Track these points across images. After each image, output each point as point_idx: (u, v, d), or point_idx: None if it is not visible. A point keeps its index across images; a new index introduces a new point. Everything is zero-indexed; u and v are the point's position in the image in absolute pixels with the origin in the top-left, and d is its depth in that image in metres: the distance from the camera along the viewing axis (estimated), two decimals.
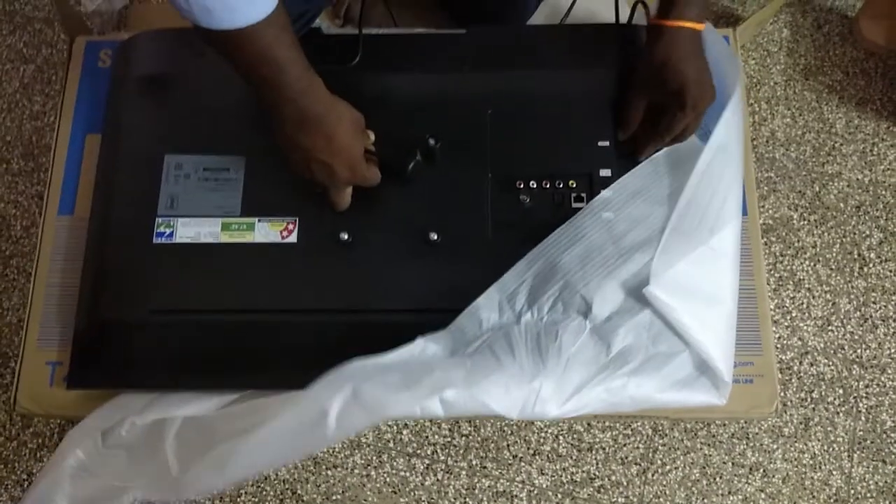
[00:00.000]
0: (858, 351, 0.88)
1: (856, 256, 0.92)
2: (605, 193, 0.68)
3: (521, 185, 0.70)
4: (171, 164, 0.73)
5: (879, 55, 1.01)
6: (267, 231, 0.70)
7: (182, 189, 0.72)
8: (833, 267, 0.92)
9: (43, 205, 0.79)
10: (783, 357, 0.88)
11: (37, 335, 0.74)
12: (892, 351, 0.88)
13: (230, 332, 0.68)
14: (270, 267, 0.69)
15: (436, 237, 0.68)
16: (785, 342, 0.89)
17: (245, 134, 0.74)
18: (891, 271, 0.91)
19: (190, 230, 0.71)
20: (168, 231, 0.71)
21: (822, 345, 0.89)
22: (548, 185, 0.70)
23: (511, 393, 0.61)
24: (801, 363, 0.88)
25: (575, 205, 0.69)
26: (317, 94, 0.60)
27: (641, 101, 0.69)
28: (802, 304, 0.90)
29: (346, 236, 0.68)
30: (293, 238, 0.70)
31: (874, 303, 0.90)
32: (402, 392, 0.58)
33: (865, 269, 0.92)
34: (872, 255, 0.92)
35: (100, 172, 0.78)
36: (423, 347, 0.63)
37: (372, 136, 0.69)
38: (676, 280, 0.65)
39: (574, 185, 0.70)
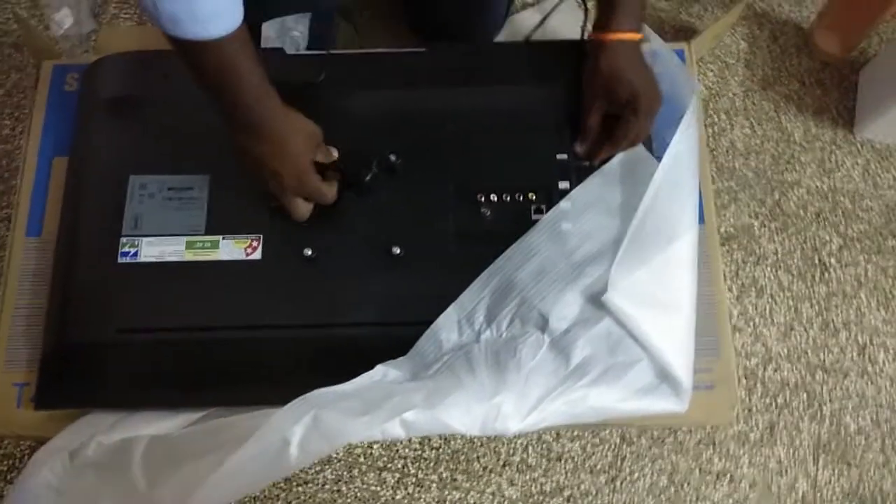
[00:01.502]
0: (821, 356, 0.90)
1: (816, 262, 0.94)
2: (561, 205, 0.70)
3: (483, 199, 0.72)
4: (136, 185, 0.74)
5: (834, 65, 1.03)
6: (231, 248, 0.71)
7: (146, 208, 0.73)
8: (794, 273, 0.93)
9: (11, 225, 0.79)
10: (747, 364, 0.89)
11: (4, 357, 0.75)
12: (854, 355, 0.90)
13: (196, 350, 0.69)
14: (235, 284, 0.70)
15: (399, 251, 0.69)
16: (749, 349, 0.90)
17: (209, 154, 0.75)
18: (851, 276, 0.93)
19: (154, 249, 0.71)
20: (133, 250, 0.72)
21: (785, 351, 0.90)
22: (508, 198, 0.72)
23: (472, 411, 0.62)
24: (765, 369, 0.89)
25: (535, 216, 0.71)
26: (272, 103, 0.62)
27: (597, 113, 0.71)
28: (765, 310, 0.92)
29: (309, 252, 0.69)
30: (257, 255, 0.71)
31: (836, 308, 0.92)
32: (362, 417, 0.59)
33: (826, 274, 0.93)
34: (833, 261, 0.94)
35: (66, 194, 0.79)
36: (384, 373, 0.64)
37: (335, 153, 0.70)
38: (635, 288, 0.67)
39: (534, 198, 0.72)
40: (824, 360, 0.90)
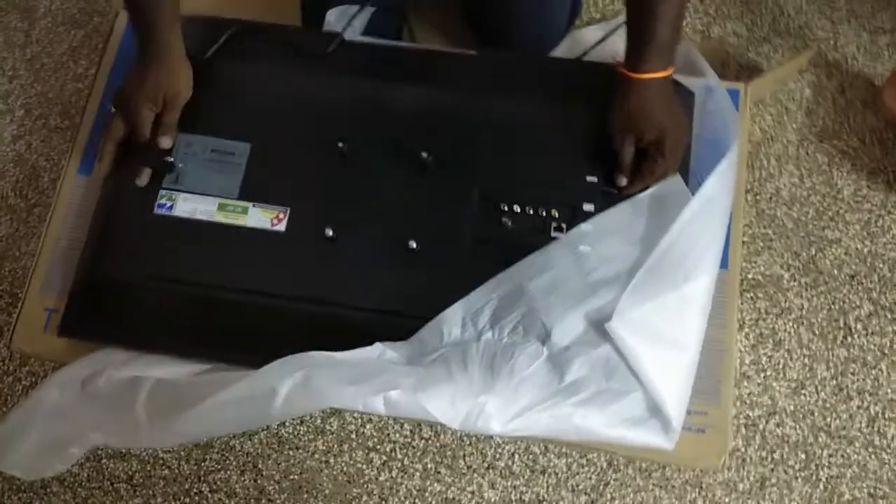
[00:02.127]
0: (828, 419, 0.88)
1: (842, 325, 0.92)
2: (583, 227, 0.71)
3: (506, 208, 0.73)
4: (183, 142, 0.78)
5: None
6: (259, 216, 0.75)
7: (188, 166, 0.77)
8: (816, 332, 0.91)
9: (66, 162, 0.85)
10: (750, 413, 0.88)
11: (40, 282, 0.80)
12: (863, 425, 0.88)
13: (212, 307, 0.73)
14: (257, 251, 0.74)
15: (415, 245, 0.71)
16: (755, 399, 0.89)
17: (256, 124, 0.79)
18: (875, 345, 0.91)
19: (188, 205, 0.75)
20: (169, 203, 0.76)
21: (791, 407, 0.89)
22: (531, 211, 0.73)
23: (455, 404, 0.64)
24: (767, 422, 0.88)
25: (554, 233, 0.72)
26: (165, 37, 0.75)
27: (628, 145, 0.71)
28: (779, 363, 0.90)
29: (331, 232, 0.72)
30: (282, 227, 0.74)
31: (853, 374, 0.90)
32: (350, 385, 0.62)
33: (849, 338, 0.91)
34: (859, 327, 0.91)
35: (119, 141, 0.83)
36: (381, 352, 0.67)
37: (166, 141, 0.76)
38: (641, 320, 0.67)
39: (556, 215, 0.73)
40: (830, 425, 0.88)
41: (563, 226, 0.72)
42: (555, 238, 0.71)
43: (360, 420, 0.89)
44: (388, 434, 0.88)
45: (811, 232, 0.95)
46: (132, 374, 0.71)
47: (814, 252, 0.95)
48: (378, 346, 0.67)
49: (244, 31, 0.83)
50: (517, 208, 0.73)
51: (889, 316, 0.92)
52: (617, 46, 0.92)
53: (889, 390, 0.89)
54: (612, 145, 0.72)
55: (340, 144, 0.75)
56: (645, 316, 0.67)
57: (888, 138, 1.00)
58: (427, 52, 0.85)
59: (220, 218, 0.75)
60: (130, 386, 0.71)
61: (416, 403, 0.62)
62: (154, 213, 0.76)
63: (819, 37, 1.05)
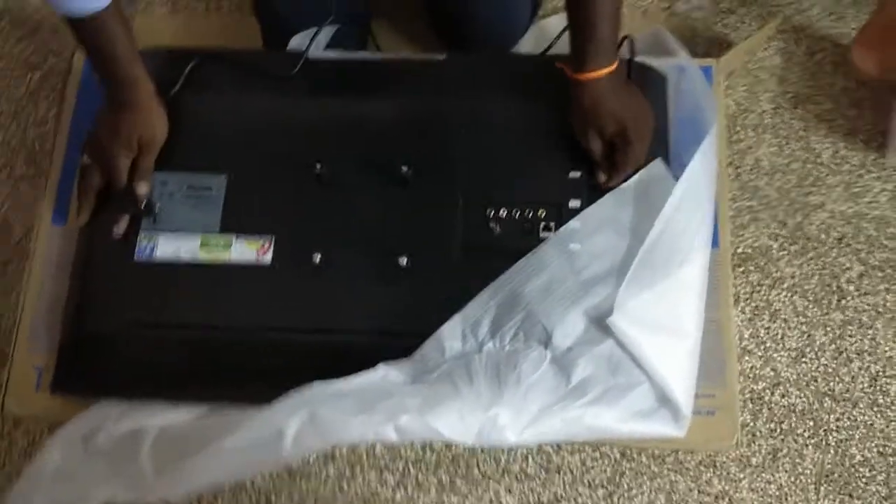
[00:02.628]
0: (831, 384, 0.89)
1: (834, 289, 0.92)
2: (571, 224, 0.70)
3: (492, 213, 0.72)
4: (157, 181, 0.76)
5: (871, 85, 1.00)
6: (244, 249, 0.73)
7: (165, 205, 0.75)
8: (811, 299, 0.92)
9: (38, 214, 0.82)
10: (755, 387, 0.89)
11: (26, 340, 0.78)
12: (865, 385, 0.89)
13: (205, 348, 0.72)
14: (245, 286, 0.72)
15: (406, 262, 0.70)
16: (757, 372, 0.89)
17: (229, 154, 0.77)
18: (869, 305, 0.91)
19: (170, 246, 0.74)
20: (150, 246, 0.74)
21: (794, 376, 0.89)
22: (517, 214, 0.72)
23: (465, 420, 0.63)
24: (772, 394, 0.88)
25: (543, 234, 0.71)
26: (135, 84, 0.73)
27: (596, 142, 0.71)
28: (777, 334, 0.91)
29: (318, 258, 0.71)
30: (268, 258, 0.73)
31: (850, 336, 0.90)
32: (357, 417, 0.61)
33: (843, 301, 0.92)
34: (851, 288, 0.92)
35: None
36: (385, 374, 0.66)
37: (141, 189, 0.74)
38: (640, 311, 0.67)
39: (543, 215, 0.72)
40: (834, 389, 0.89)
41: (552, 224, 0.71)
42: (544, 238, 0.71)
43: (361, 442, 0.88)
44: (399, 451, 0.88)
45: (795, 199, 0.96)
46: (132, 426, 0.70)
47: (800, 219, 0.95)
48: (381, 367, 0.66)
49: (206, 60, 0.81)
50: (503, 212, 0.72)
51: (879, 275, 0.93)
52: None
53: (887, 348, 0.90)
54: (581, 146, 0.72)
55: (318, 166, 0.73)
56: (644, 306, 0.67)
57: (860, 97, 1.00)
58: (395, 62, 0.83)
59: (204, 255, 0.73)
60: (132, 439, 0.70)
61: (427, 426, 0.61)
62: (135, 259, 0.74)
63: (783, 2, 1.05)
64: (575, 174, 0.73)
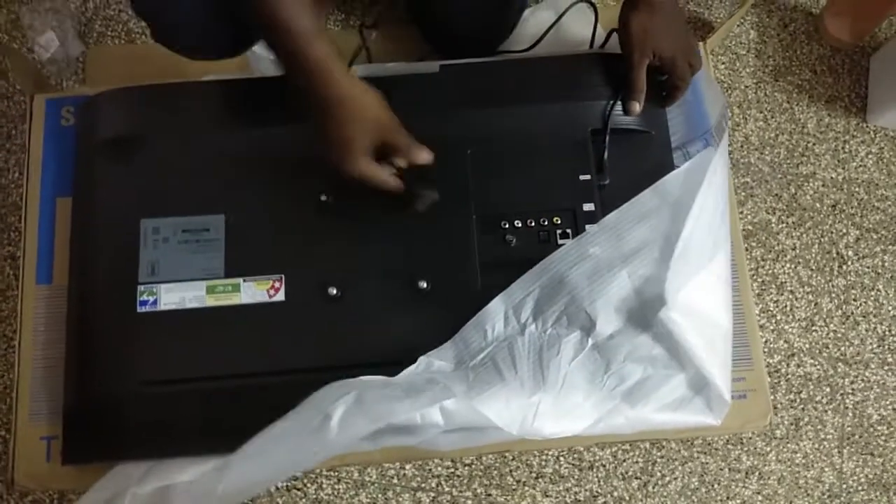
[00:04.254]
0: (842, 348, 0.91)
1: (834, 255, 0.94)
2: (617, 213, 0.68)
3: (506, 225, 0.70)
4: (149, 229, 0.71)
5: (845, 51, 1.02)
6: (254, 291, 0.69)
7: (162, 253, 0.70)
8: (813, 267, 0.94)
9: (20, 274, 0.77)
10: (770, 360, 0.90)
11: (27, 411, 0.73)
12: (874, 346, 0.91)
13: (223, 398, 0.68)
14: (260, 328, 0.68)
15: (425, 285, 0.68)
16: (772, 346, 0.91)
17: (221, 191, 0.72)
18: (868, 268, 0.94)
19: (174, 296, 0.69)
20: (151, 299, 0.69)
21: (807, 345, 0.91)
22: (532, 224, 0.71)
23: (511, 406, 0.62)
24: (788, 365, 0.90)
25: (560, 241, 0.70)
26: (330, 75, 0.60)
27: (643, 69, 0.70)
28: (786, 306, 0.92)
29: (334, 291, 0.68)
30: (281, 296, 0.69)
31: (854, 300, 0.93)
32: (403, 400, 0.59)
33: (844, 266, 0.94)
34: (850, 253, 0.94)
35: (74, 242, 0.75)
36: (427, 364, 0.65)
37: (406, 160, 0.64)
38: (686, 302, 0.66)
39: (558, 222, 0.70)
40: (845, 353, 0.91)
41: (568, 231, 0.70)
42: (562, 245, 0.69)
43: (397, 464, 0.86)
44: (430, 469, 0.86)
45: (786, 171, 0.97)
46: (155, 486, 0.66)
47: (793, 190, 0.96)
48: (422, 359, 0.64)
49: (179, 94, 0.77)
50: (518, 224, 0.70)
51: (875, 237, 0.95)
52: (570, 28, 0.90)
53: (890, 307, 0.92)
54: (626, 67, 0.71)
55: (323, 197, 0.70)
56: (689, 297, 0.66)
57: (836, 64, 1.02)
58: (389, 79, 0.80)
59: (212, 301, 0.69)
60: (160, 498, 0.66)
61: (473, 410, 0.59)
62: (137, 312, 0.69)
63: None
64: (585, 177, 0.72)
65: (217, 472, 0.61)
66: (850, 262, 0.94)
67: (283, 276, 0.69)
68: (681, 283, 0.66)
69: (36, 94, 0.83)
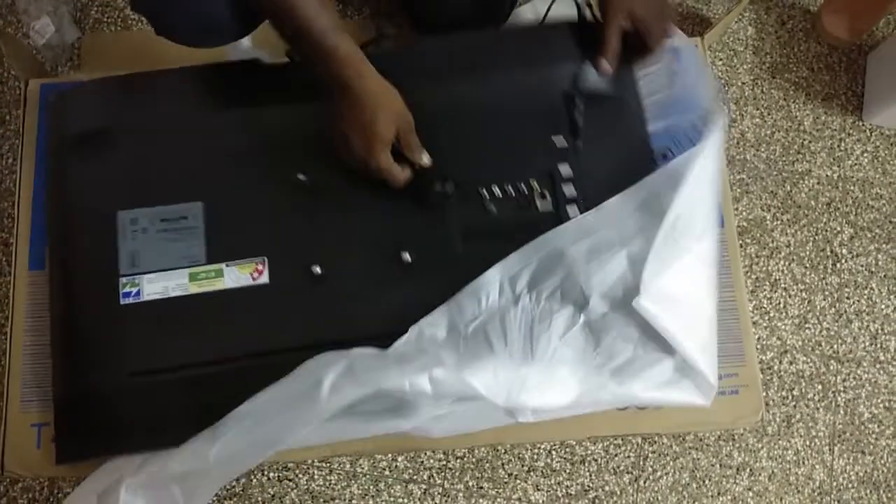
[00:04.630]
0: (835, 346, 0.91)
1: (828, 253, 0.94)
2: (622, 196, 0.68)
3: (486, 194, 0.70)
4: (126, 220, 0.70)
5: (842, 49, 1.02)
6: (237, 275, 0.69)
7: (141, 244, 0.69)
8: (807, 265, 0.94)
9: (12, 260, 0.76)
10: (763, 357, 0.90)
11: (19, 398, 0.73)
12: (867, 344, 0.91)
13: (214, 384, 0.67)
14: (246, 311, 0.68)
15: (409, 257, 0.67)
16: (764, 342, 0.91)
17: (198, 178, 0.71)
18: (862, 266, 0.94)
19: (157, 286, 0.68)
20: (134, 290, 0.68)
21: (800, 343, 0.91)
22: (511, 190, 0.70)
23: (499, 378, 0.62)
24: (780, 362, 0.90)
25: (540, 204, 0.70)
26: (358, 67, 0.63)
27: (618, 30, 0.70)
28: (779, 303, 0.92)
29: (318, 269, 0.67)
30: (265, 278, 0.68)
31: (848, 298, 0.93)
32: (392, 368, 0.59)
33: (838, 265, 0.94)
34: (844, 251, 0.94)
35: (52, 236, 0.75)
36: (419, 332, 0.65)
37: (425, 159, 0.67)
38: (665, 289, 0.66)
39: (537, 186, 0.70)
40: (838, 351, 0.91)
41: (546, 193, 0.70)
42: (543, 211, 0.69)
43: (389, 456, 0.86)
44: (422, 461, 0.86)
45: (782, 169, 0.97)
46: (150, 476, 0.66)
47: (789, 188, 0.96)
48: (414, 328, 0.64)
49: (153, 82, 0.76)
50: (497, 191, 0.70)
51: (868, 235, 0.95)
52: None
53: (883, 306, 0.93)
54: (600, 27, 0.71)
55: (301, 176, 0.69)
56: (669, 283, 0.66)
57: (833, 62, 1.02)
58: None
59: (195, 289, 0.68)
60: (155, 478, 0.65)
61: (462, 380, 0.59)
62: (121, 304, 0.67)
63: None
64: (558, 137, 0.71)
65: (210, 435, 0.61)
66: (843, 261, 0.94)
67: (265, 258, 0.69)
68: (660, 269, 0.65)
69: (31, 79, 0.83)
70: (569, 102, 0.72)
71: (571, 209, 0.69)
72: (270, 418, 0.60)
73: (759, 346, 0.91)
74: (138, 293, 0.68)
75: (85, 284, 0.69)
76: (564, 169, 0.70)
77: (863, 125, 0.99)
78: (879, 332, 0.92)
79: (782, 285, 0.93)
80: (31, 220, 0.78)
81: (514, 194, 0.70)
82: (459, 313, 0.65)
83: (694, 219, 0.69)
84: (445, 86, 0.73)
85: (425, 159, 0.67)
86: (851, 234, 0.95)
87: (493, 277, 0.65)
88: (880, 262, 0.94)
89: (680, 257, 0.67)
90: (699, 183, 0.69)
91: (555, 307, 0.65)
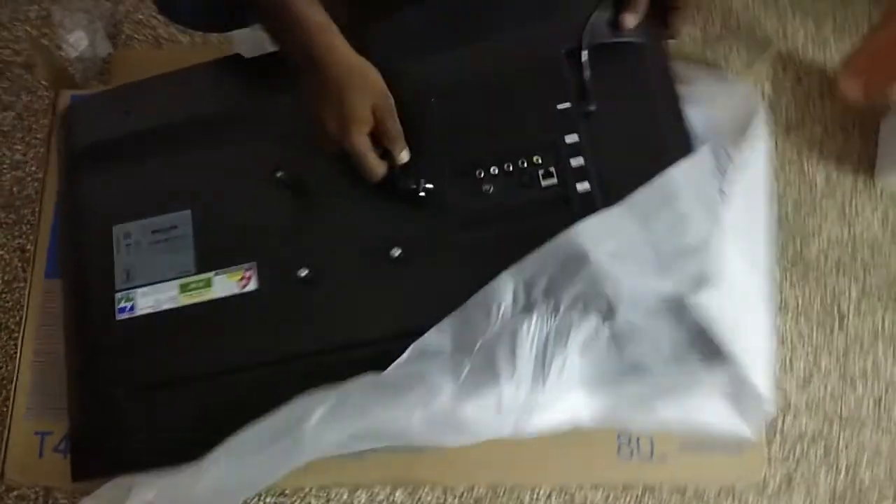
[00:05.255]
0: (839, 407, 0.91)
1: (835, 313, 0.95)
2: (649, 189, 0.58)
3: (482, 174, 0.63)
4: (120, 235, 0.70)
5: (857, 110, 1.03)
6: (225, 283, 0.67)
7: (135, 258, 0.69)
8: (814, 323, 0.94)
9: (29, 266, 0.78)
10: None
11: (25, 404, 0.73)
12: (871, 407, 0.91)
13: (213, 396, 0.65)
14: (236, 320, 0.66)
15: (399, 253, 0.62)
16: None
17: (184, 186, 0.70)
18: (868, 327, 0.94)
19: (149, 299, 0.67)
20: (129, 305, 0.68)
21: (804, 401, 0.91)
22: (511, 168, 0.63)
23: (503, 409, 0.57)
24: (783, 420, 0.90)
25: (545, 182, 0.62)
26: (328, 40, 0.58)
27: None
28: (785, 360, 0.92)
29: (305, 272, 0.63)
30: (253, 285, 0.66)
31: (853, 359, 0.93)
32: (383, 403, 0.56)
33: (845, 324, 0.94)
34: (851, 311, 0.95)
35: (60, 251, 0.76)
36: (420, 351, 0.58)
37: (403, 155, 0.62)
38: (724, 295, 0.57)
39: (540, 161, 0.62)
40: (841, 412, 0.91)
41: (552, 170, 0.62)
42: (548, 188, 0.61)
43: (388, 488, 0.85)
44: (420, 497, 0.86)
45: (793, 225, 0.98)
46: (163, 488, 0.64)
47: (799, 245, 0.97)
48: (413, 347, 0.57)
49: (136, 93, 0.77)
50: (495, 170, 0.62)
51: (876, 296, 0.96)
52: None
53: (888, 370, 0.93)
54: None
55: (279, 174, 0.65)
56: (729, 289, 0.57)
57: (848, 123, 1.03)
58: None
59: (185, 300, 0.66)
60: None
61: (457, 420, 0.55)
62: (118, 320, 0.67)
63: (769, 30, 1.08)
64: (563, 105, 0.63)
65: (192, 475, 0.59)
66: (850, 321, 0.94)
67: (255, 263, 0.66)
68: (723, 271, 0.57)
69: (61, 90, 0.85)
70: (575, 61, 0.64)
71: (581, 184, 0.61)
72: (254, 457, 0.58)
73: None
74: (132, 308, 0.67)
75: (87, 301, 0.69)
76: (571, 139, 0.62)
77: (874, 187, 1.00)
78: (883, 395, 0.92)
79: (789, 342, 0.93)
80: (52, 229, 0.79)
81: (514, 172, 0.62)
82: (467, 327, 0.58)
83: (751, 223, 0.62)
84: (430, 58, 0.67)
85: (403, 155, 0.61)
86: (859, 295, 0.96)
87: (504, 283, 0.57)
88: (886, 324, 0.94)
89: (739, 261, 0.59)
90: (752, 181, 0.62)
91: (574, 319, 0.57)
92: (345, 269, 0.64)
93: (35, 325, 0.76)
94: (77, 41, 0.95)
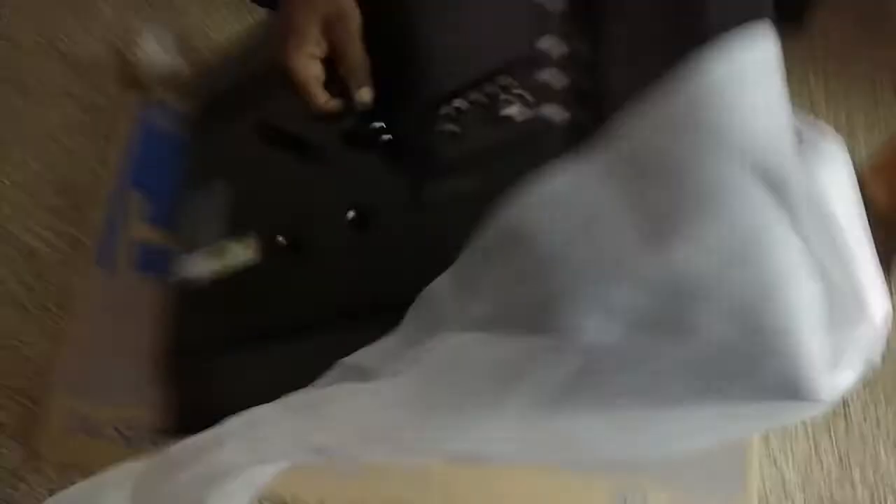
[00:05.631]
0: (835, 494, 0.93)
1: (839, 400, 0.97)
2: (628, 120, 0.35)
3: (444, 112, 0.47)
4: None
5: (882, 211, 1.06)
6: (238, 251, 0.64)
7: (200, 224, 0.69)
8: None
9: (81, 253, 0.82)
10: (762, 487, 0.92)
11: (63, 385, 0.77)
12: (866, 498, 0.93)
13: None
14: (254, 286, 0.61)
15: (359, 215, 0.51)
16: (765, 471, 0.93)
17: (227, 165, 0.69)
18: (871, 421, 0.96)
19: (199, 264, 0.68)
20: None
21: (800, 481, 0.93)
22: (477, 98, 0.45)
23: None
24: (779, 498, 0.92)
25: (518, 112, 0.42)
26: None
27: None
28: (785, 440, 0.94)
29: (281, 239, 0.57)
30: (252, 254, 0.62)
31: (853, 448, 0.95)
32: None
33: (847, 411, 0.97)
34: (854, 399, 0.97)
35: None
36: (342, 373, 0.45)
37: (365, 94, 0.49)
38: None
39: (511, 84, 0.43)
40: (836, 498, 0.93)
41: (526, 95, 0.42)
42: (526, 121, 0.41)
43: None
44: None
45: None
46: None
47: None
48: (339, 364, 0.45)
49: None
50: (459, 104, 0.46)
51: (879, 387, 0.98)
52: None
53: (890, 470, 0.95)
54: None
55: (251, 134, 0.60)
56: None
57: (869, 221, 1.06)
58: None
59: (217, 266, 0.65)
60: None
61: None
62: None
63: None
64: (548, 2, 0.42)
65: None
66: (852, 408, 0.97)
67: (255, 232, 0.62)
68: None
69: (135, 97, 0.91)
70: None
71: (554, 110, 0.40)
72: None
73: (762, 492, 0.92)
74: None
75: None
76: (546, 44, 0.41)
77: (891, 284, 1.03)
78: (879, 483, 0.93)
79: (790, 429, 0.95)
80: (107, 221, 0.84)
81: (482, 103, 0.44)
82: (407, 341, 0.42)
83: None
84: None
85: (363, 93, 0.49)
86: (861, 385, 0.98)
87: (441, 287, 0.41)
88: (890, 420, 0.96)
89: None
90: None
91: (520, 343, 0.36)
92: (312, 234, 0.56)
93: (79, 309, 0.79)
94: (154, 54, 1.01)
